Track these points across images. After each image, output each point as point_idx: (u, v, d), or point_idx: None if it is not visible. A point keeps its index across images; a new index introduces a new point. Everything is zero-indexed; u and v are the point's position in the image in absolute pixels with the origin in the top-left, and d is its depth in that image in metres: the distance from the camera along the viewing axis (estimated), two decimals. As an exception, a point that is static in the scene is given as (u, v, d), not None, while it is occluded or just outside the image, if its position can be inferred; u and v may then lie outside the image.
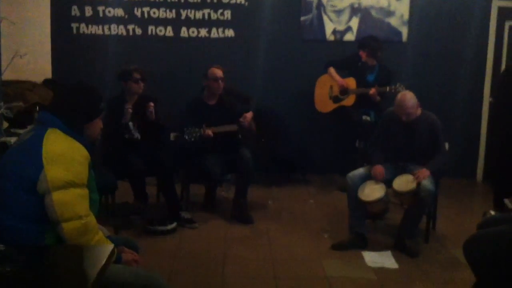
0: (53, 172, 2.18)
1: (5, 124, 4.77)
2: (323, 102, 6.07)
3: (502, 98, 3.74)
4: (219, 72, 4.94)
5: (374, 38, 5.81)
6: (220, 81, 4.94)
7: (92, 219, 2.29)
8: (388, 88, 5.47)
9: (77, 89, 2.48)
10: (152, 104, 4.68)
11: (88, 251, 2.16)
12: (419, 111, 4.32)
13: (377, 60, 5.78)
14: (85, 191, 2.28)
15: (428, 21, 6.47)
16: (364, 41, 5.82)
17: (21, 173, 2.21)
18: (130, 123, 4.70)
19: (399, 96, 4.33)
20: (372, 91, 5.58)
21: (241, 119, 4.99)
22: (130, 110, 4.66)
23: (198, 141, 4.72)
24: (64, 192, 2.19)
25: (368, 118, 5.75)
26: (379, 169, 4.28)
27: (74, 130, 2.35)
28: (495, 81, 6.21)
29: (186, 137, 4.68)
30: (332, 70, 5.93)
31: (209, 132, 4.73)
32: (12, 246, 2.01)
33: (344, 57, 5.99)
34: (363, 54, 5.75)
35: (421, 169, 4.20)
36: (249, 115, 5.05)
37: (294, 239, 4.50)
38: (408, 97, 4.25)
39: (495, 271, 2.47)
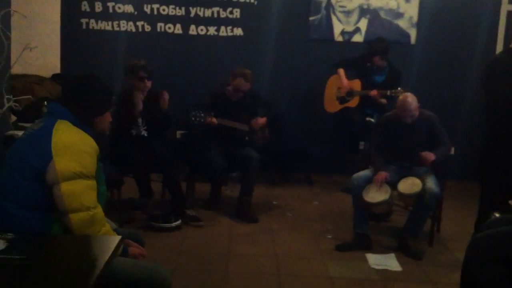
0: (61, 163, 2.20)
1: (13, 118, 4.80)
2: (330, 102, 6.09)
3: (494, 93, 3.72)
4: (245, 86, 4.92)
5: (381, 40, 5.79)
6: (240, 93, 4.96)
7: (99, 211, 2.30)
8: (388, 92, 5.49)
9: (90, 81, 2.48)
10: (166, 92, 4.69)
11: (95, 241, 2.18)
12: (417, 112, 4.34)
13: (387, 61, 5.76)
14: (93, 183, 2.30)
15: (437, 24, 6.46)
16: (375, 46, 5.77)
17: (30, 163, 2.23)
18: (139, 120, 4.71)
19: (401, 98, 4.34)
20: (373, 92, 5.59)
21: (252, 122, 5.01)
22: (141, 97, 4.61)
23: (200, 126, 4.73)
24: (72, 183, 2.20)
25: (372, 120, 5.74)
26: (382, 175, 4.29)
27: (84, 122, 2.37)
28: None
29: (191, 119, 4.69)
30: (341, 71, 5.93)
31: (214, 120, 4.76)
32: (20, 235, 2.03)
33: (353, 57, 5.99)
34: (376, 59, 5.73)
35: (425, 169, 4.23)
36: (262, 120, 5.08)
37: (297, 238, 4.50)
38: (410, 99, 4.27)
39: (498, 271, 2.47)
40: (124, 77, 4.77)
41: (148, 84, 4.69)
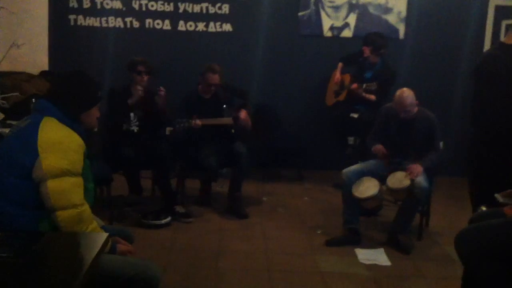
0: (48, 160, 2.19)
1: (1, 116, 4.77)
2: (330, 95, 6.10)
3: (484, 89, 3.67)
4: (215, 79, 4.90)
5: (380, 35, 5.74)
6: (212, 87, 4.95)
7: (86, 208, 2.30)
8: (364, 85, 5.49)
9: (76, 77, 2.49)
10: (163, 88, 4.73)
11: (83, 238, 2.18)
12: (416, 109, 4.34)
13: (380, 57, 5.73)
14: (79, 180, 2.29)
15: (426, 19, 6.47)
16: (369, 37, 5.74)
17: (17, 160, 2.22)
18: (132, 114, 4.71)
19: (398, 93, 4.35)
20: (354, 86, 5.60)
21: (236, 114, 5.00)
22: (140, 91, 4.67)
23: (188, 131, 4.74)
24: (59, 180, 2.20)
25: (355, 116, 5.73)
26: (380, 147, 4.32)
27: (71, 118, 2.36)
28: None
29: (176, 126, 4.71)
30: (339, 65, 5.93)
31: (198, 122, 4.75)
32: (7, 232, 2.02)
33: (353, 52, 5.96)
34: (366, 50, 5.69)
35: (414, 164, 4.24)
36: (244, 113, 5.05)
37: (288, 234, 4.51)
38: (406, 94, 4.28)
39: (486, 264, 2.49)
40: (130, 73, 4.79)
41: (145, 78, 4.74)
